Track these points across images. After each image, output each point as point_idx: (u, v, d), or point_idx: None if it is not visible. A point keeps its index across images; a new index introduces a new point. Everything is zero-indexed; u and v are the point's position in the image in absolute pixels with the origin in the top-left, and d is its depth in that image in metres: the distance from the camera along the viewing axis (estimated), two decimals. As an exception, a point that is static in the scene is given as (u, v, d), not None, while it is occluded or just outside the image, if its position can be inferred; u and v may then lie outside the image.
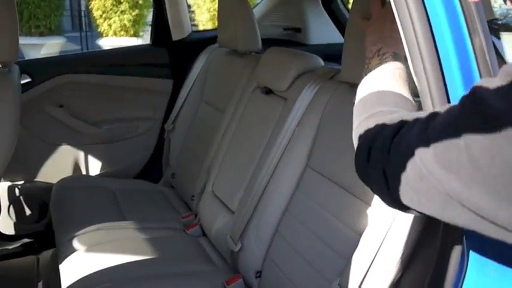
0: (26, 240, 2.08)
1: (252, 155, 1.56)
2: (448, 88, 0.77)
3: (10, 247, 2.05)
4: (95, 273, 1.39)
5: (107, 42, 7.65)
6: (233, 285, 1.39)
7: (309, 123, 1.37)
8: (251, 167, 1.53)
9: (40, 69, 2.13)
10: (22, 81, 1.85)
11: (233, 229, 1.47)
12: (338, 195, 1.20)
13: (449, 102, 0.77)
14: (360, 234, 1.08)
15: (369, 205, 1.11)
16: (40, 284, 1.79)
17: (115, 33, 8.01)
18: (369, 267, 1.02)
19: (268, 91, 1.64)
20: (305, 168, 1.34)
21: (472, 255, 0.75)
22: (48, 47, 7.40)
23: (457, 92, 0.76)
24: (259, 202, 1.40)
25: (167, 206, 1.95)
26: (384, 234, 1.01)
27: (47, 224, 1.98)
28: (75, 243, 1.55)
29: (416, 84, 0.82)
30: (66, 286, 1.37)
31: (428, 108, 0.77)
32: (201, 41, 2.27)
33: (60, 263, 1.49)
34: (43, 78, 2.08)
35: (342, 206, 1.18)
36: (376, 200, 1.10)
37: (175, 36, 2.29)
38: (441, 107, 0.66)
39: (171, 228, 1.76)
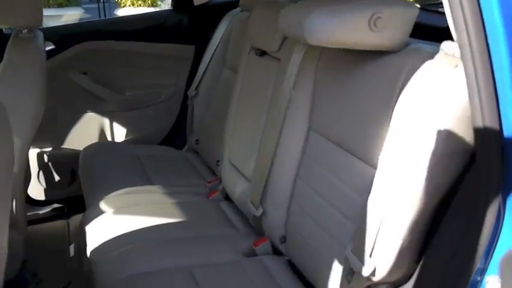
0: (56, 205, 2.14)
1: (256, 120, 1.52)
2: (489, 41, 0.74)
3: (41, 212, 2.12)
4: (120, 235, 1.42)
5: (125, 13, 7.61)
6: (260, 247, 1.41)
7: (304, 83, 1.31)
8: (258, 133, 1.50)
9: (63, 36, 2.14)
10: (46, 49, 1.86)
11: (251, 195, 1.47)
12: (342, 157, 1.16)
13: (489, 53, 0.74)
14: (366, 198, 1.03)
15: (373, 167, 1.05)
16: (71, 247, 1.85)
17: (132, 3, 7.95)
18: (377, 232, 0.98)
19: (262, 53, 1.58)
20: (308, 131, 1.30)
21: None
22: (66, 18, 7.40)
23: (499, 45, 0.73)
24: (271, 168, 1.38)
25: (192, 171, 1.97)
26: (388, 198, 0.96)
27: (76, 189, 2.02)
28: (103, 207, 1.58)
29: (455, 37, 0.80)
30: (92, 247, 1.40)
31: (467, 61, 0.75)
32: (222, 6, 2.24)
33: (87, 224, 1.52)
34: (66, 45, 2.09)
35: (346, 168, 1.14)
36: (381, 162, 1.01)
37: (197, 0, 2.26)
38: None
39: (196, 193, 1.78)
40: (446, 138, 0.87)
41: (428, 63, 0.94)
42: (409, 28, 1.06)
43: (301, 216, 1.29)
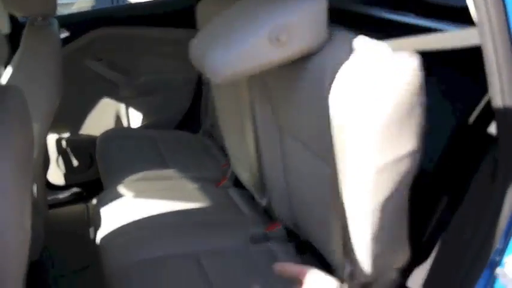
0: (75, 189, 2.18)
1: (236, 121, 1.47)
2: (510, 18, 0.73)
3: (61, 196, 2.16)
4: (130, 221, 1.43)
5: (137, -2, 7.60)
6: (274, 231, 1.41)
7: (257, 90, 1.25)
8: (240, 132, 1.46)
9: (78, 23, 2.15)
10: (61, 36, 1.87)
11: (254, 185, 1.46)
12: (310, 158, 1.09)
13: (509, 31, 0.73)
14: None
15: (336, 172, 0.98)
16: (91, 230, 1.89)
17: (144, -11, 7.92)
18: (344, 235, 0.96)
19: None
20: (280, 130, 1.22)
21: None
22: (79, 5, 7.41)
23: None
24: (261, 166, 1.36)
25: (207, 155, 1.98)
26: (346, 201, 0.94)
27: (94, 174, 2.06)
28: (116, 191, 1.60)
29: (474, 14, 0.78)
30: (103, 232, 1.42)
31: (487, 38, 0.73)
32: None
33: (101, 208, 1.53)
34: (81, 32, 2.10)
35: (313, 169, 1.09)
36: (334, 163, 0.97)
37: (210, -15, 2.24)
38: None
39: (209, 178, 1.78)
40: (379, 145, 0.83)
41: (348, 63, 0.87)
42: (321, 25, 0.94)
43: (301, 207, 1.25)
